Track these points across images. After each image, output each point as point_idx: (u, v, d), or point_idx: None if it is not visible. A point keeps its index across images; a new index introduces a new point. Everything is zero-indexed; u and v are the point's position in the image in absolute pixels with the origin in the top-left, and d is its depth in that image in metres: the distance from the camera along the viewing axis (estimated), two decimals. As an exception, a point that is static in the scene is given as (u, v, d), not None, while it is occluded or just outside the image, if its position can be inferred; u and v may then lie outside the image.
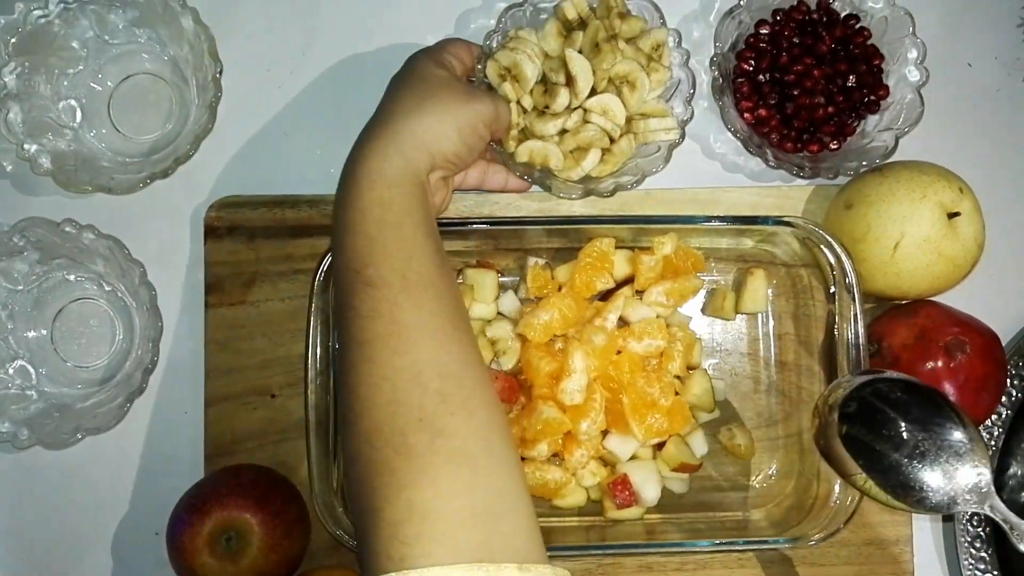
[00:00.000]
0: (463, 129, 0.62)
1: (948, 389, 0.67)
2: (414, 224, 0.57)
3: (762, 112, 0.73)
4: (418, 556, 0.47)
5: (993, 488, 0.56)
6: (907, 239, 0.67)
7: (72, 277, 0.74)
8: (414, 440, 0.50)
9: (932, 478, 0.57)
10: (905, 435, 0.57)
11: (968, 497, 0.56)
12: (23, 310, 0.74)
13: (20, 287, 0.73)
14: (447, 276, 0.57)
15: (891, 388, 0.59)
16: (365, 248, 0.56)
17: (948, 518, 0.75)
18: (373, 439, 0.51)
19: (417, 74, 0.65)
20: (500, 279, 0.74)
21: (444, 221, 0.71)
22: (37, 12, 0.71)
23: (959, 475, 0.57)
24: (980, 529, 0.73)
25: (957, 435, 0.57)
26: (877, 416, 0.58)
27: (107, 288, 0.75)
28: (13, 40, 0.71)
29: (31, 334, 0.74)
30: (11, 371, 0.73)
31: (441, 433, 0.50)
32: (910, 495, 0.57)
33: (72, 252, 0.72)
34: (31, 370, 0.73)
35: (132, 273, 0.71)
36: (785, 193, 0.76)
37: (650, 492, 0.71)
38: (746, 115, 0.74)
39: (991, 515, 0.57)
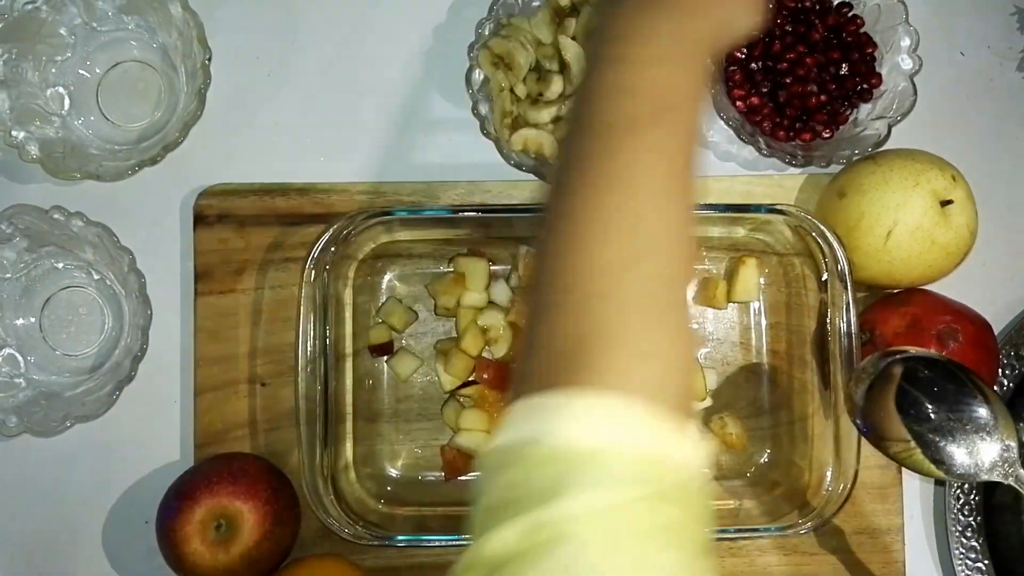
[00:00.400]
0: None
1: (940, 377, 0.67)
2: (683, 64, 0.46)
3: (754, 100, 0.73)
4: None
5: (1018, 459, 0.60)
6: (900, 227, 0.67)
7: (61, 265, 0.74)
8: (611, 287, 0.41)
9: (958, 453, 0.60)
10: (932, 414, 0.61)
11: (994, 470, 0.60)
12: (11, 298, 0.73)
13: (8, 275, 0.72)
14: (696, 124, 0.46)
15: (917, 367, 0.62)
16: (625, 78, 0.44)
17: (940, 507, 0.75)
18: (568, 285, 0.42)
19: None
20: (492, 268, 0.73)
21: (435, 208, 0.71)
22: (24, -2, 0.70)
23: (984, 450, 0.60)
24: (971, 518, 0.74)
25: (982, 412, 0.60)
26: (905, 395, 0.61)
27: (96, 276, 0.74)
28: (0, 26, 0.70)
29: (20, 322, 0.74)
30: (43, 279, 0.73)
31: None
32: (938, 467, 0.61)
33: (61, 240, 0.72)
34: (19, 358, 0.73)
35: (121, 261, 0.70)
36: (778, 182, 0.76)
37: None
38: (738, 103, 0.73)
39: (1016, 486, 0.60)
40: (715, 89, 0.73)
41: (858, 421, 0.63)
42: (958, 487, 0.74)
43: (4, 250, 0.71)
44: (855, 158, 0.71)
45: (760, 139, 0.73)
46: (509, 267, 0.74)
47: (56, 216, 0.69)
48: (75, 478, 0.74)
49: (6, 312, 0.73)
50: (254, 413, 0.73)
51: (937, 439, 0.60)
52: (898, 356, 0.63)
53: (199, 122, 0.73)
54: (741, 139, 0.73)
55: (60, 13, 0.73)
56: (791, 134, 0.73)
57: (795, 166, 0.74)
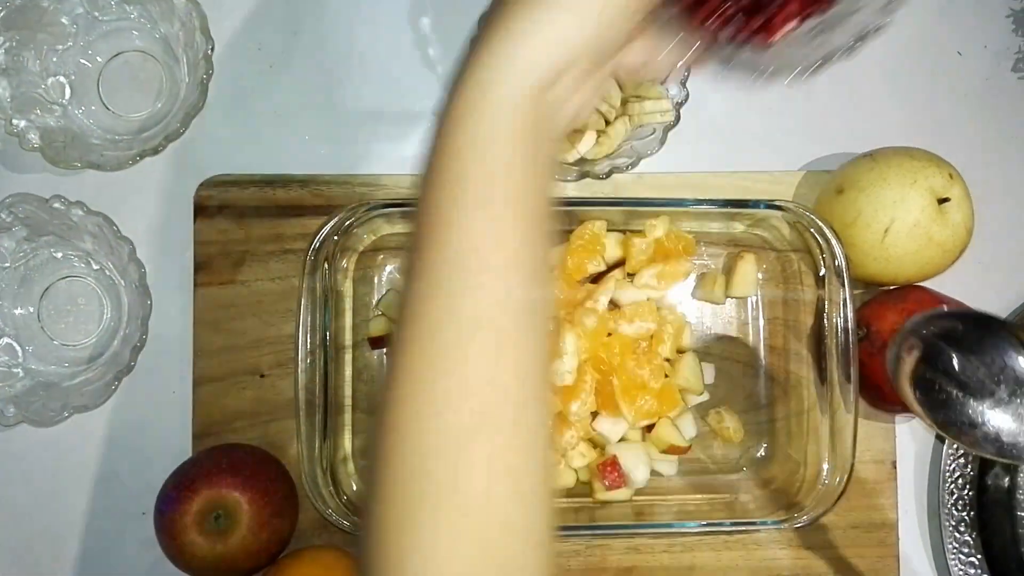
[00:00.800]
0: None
1: (935, 373, 0.68)
2: (508, 184, 0.42)
3: None
4: None
5: None
6: (897, 224, 0.67)
7: (60, 254, 0.74)
8: (435, 471, 0.40)
9: (1004, 421, 0.54)
10: (972, 377, 0.54)
11: None
12: (10, 287, 0.73)
13: (7, 264, 0.72)
14: (540, 259, 0.42)
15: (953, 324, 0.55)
16: (444, 211, 0.42)
17: (934, 502, 0.76)
18: (391, 460, 0.40)
19: None
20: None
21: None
22: (26, -14, 0.70)
23: None
24: (964, 513, 0.74)
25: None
26: (941, 358, 0.55)
27: (95, 266, 0.74)
28: (1, 14, 0.70)
29: (18, 311, 0.74)
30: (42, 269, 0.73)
31: (468, 470, 0.40)
32: (988, 442, 0.55)
33: (60, 229, 0.72)
34: (17, 348, 0.73)
35: (121, 251, 0.70)
36: (776, 178, 0.77)
37: (639, 474, 0.71)
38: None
39: None
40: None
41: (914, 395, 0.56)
42: (951, 482, 0.75)
43: (3, 239, 0.71)
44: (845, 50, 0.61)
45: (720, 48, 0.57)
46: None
47: (56, 205, 0.69)
48: (73, 469, 0.74)
49: (4, 301, 0.73)
50: (253, 404, 0.73)
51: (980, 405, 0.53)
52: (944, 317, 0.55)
53: (201, 113, 0.73)
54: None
55: (61, 2, 0.72)
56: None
57: (763, 78, 0.59)
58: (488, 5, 0.46)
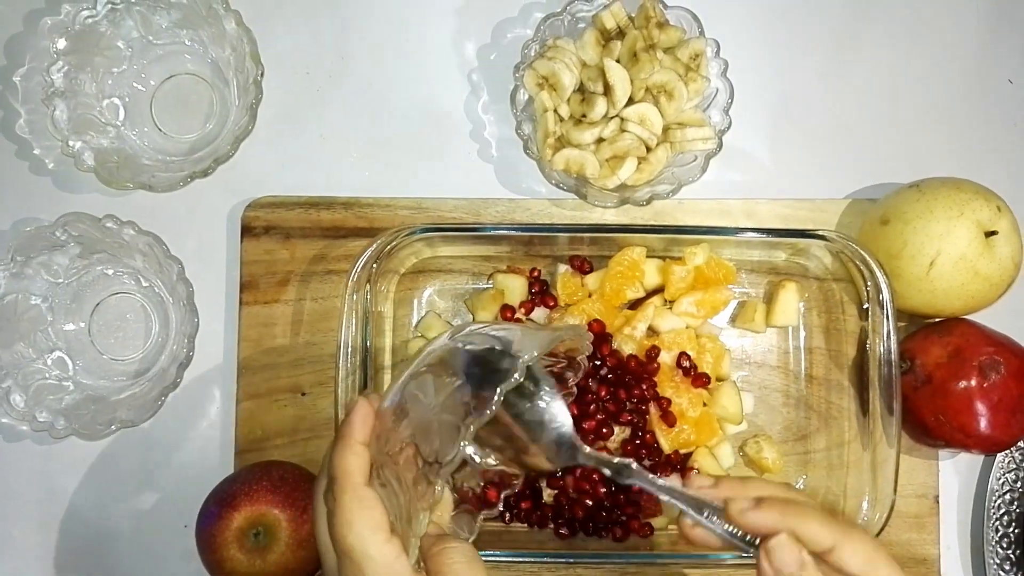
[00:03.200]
0: None
1: (981, 409, 0.66)
2: None
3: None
4: None
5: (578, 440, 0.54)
6: (943, 257, 0.66)
7: (111, 272, 0.76)
8: None
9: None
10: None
11: (561, 454, 0.54)
12: (62, 303, 0.75)
13: (60, 280, 0.75)
14: None
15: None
16: None
17: (977, 539, 0.74)
18: None
19: None
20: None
21: (476, 226, 0.72)
22: (85, 12, 0.73)
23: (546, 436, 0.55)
24: (1010, 551, 0.73)
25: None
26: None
27: (144, 284, 0.76)
28: (62, 40, 0.72)
29: (69, 327, 0.76)
30: (49, 362, 0.74)
31: None
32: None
33: (112, 247, 0.73)
34: (68, 362, 0.75)
35: (170, 270, 0.72)
36: (819, 206, 0.76)
37: None
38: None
39: (586, 463, 0.54)
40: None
41: None
42: (996, 519, 0.73)
43: (57, 256, 0.73)
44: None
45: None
46: (547, 285, 0.75)
47: (109, 224, 0.71)
48: (118, 481, 0.75)
49: (57, 316, 0.75)
50: (293, 422, 0.74)
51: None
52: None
53: (249, 136, 0.74)
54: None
55: (118, 27, 0.75)
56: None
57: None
58: None
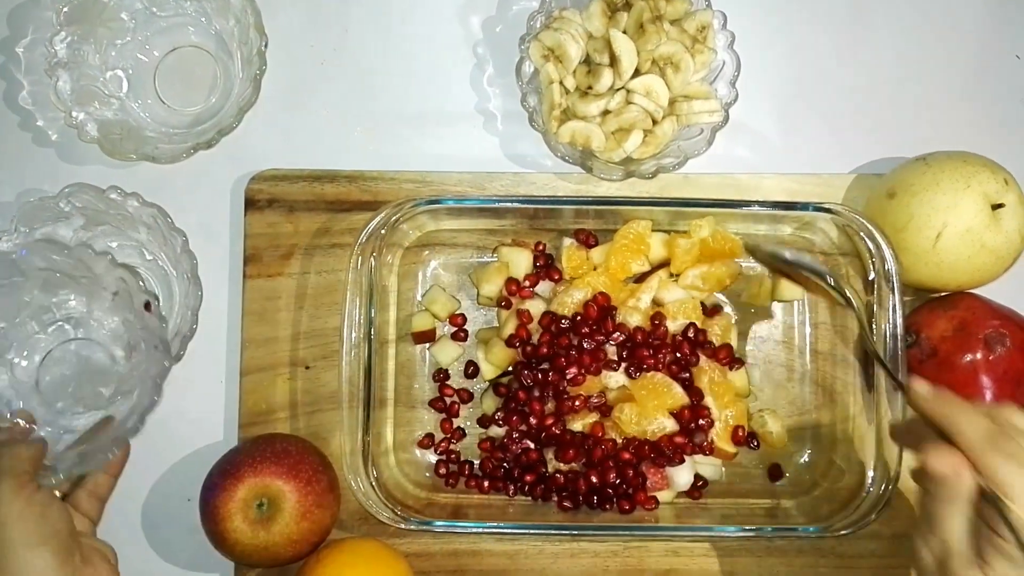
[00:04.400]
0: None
1: (986, 382, 0.66)
2: None
3: None
4: None
5: None
6: (949, 229, 0.66)
7: (115, 244, 0.75)
8: None
9: None
10: None
11: None
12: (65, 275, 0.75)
13: (65, 252, 0.74)
14: None
15: None
16: None
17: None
18: None
19: None
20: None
21: (481, 199, 0.72)
22: (88, -18, 0.72)
23: None
24: (1013, 526, 0.72)
25: None
26: None
27: (148, 257, 0.75)
28: (65, 9, 0.72)
29: (72, 300, 0.75)
30: (51, 332, 0.74)
31: None
32: None
33: (116, 219, 0.73)
34: (70, 331, 0.74)
35: (174, 242, 0.71)
36: (826, 181, 0.76)
37: (682, 477, 0.71)
38: None
39: None
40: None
41: None
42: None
43: (61, 227, 0.73)
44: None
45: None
46: (552, 258, 0.74)
47: (113, 196, 0.70)
48: (122, 453, 0.75)
49: (60, 288, 0.74)
50: (296, 395, 0.74)
51: None
52: None
53: (253, 108, 0.74)
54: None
55: (121, -2, 0.74)
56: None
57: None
58: None
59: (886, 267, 0.67)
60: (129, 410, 0.65)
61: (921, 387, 0.56)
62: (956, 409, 0.54)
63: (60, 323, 0.73)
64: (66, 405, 0.72)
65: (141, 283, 0.67)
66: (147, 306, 0.67)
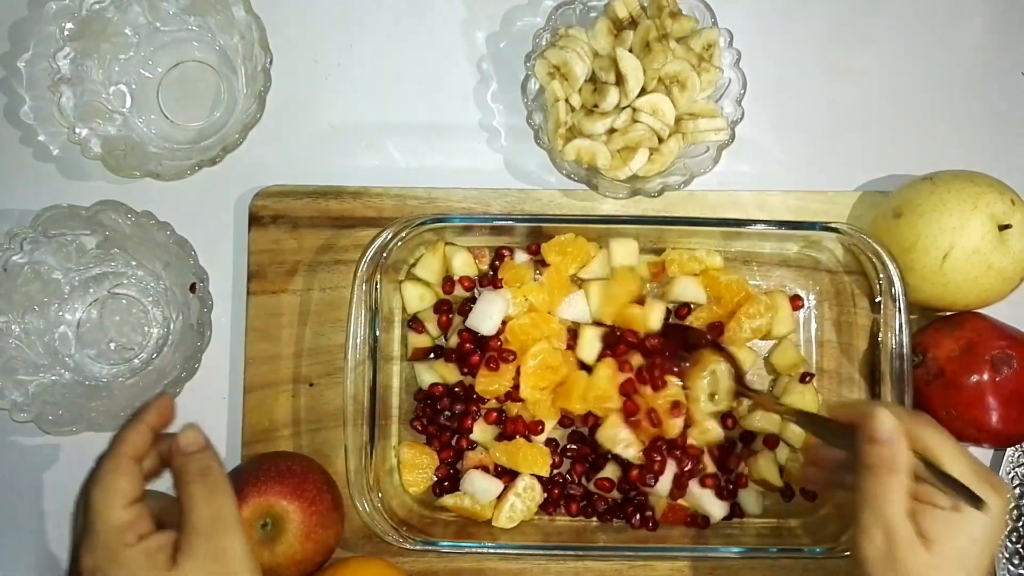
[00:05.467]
0: None
1: (993, 403, 0.66)
2: None
3: None
4: None
5: None
6: (956, 250, 0.66)
7: (132, 265, 0.75)
8: None
9: None
10: None
11: None
12: (83, 285, 0.75)
13: (80, 264, 0.74)
14: None
15: None
16: None
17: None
18: None
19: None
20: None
21: (486, 217, 0.72)
22: (92, -2, 0.72)
23: None
24: (1019, 546, 0.72)
25: None
26: None
27: (163, 285, 0.75)
28: (69, 25, 0.72)
29: (79, 312, 0.75)
30: (101, 287, 0.75)
31: None
32: None
33: (135, 245, 0.73)
34: (72, 340, 0.74)
35: (187, 277, 0.71)
36: (831, 199, 0.75)
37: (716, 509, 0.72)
38: None
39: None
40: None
41: None
42: (1007, 516, 0.73)
43: (82, 239, 0.72)
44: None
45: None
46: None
47: (144, 220, 0.70)
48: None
49: (71, 299, 0.74)
50: (300, 413, 0.74)
51: None
52: None
53: (258, 124, 0.74)
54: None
55: (125, 13, 0.74)
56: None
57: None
58: None
59: (892, 287, 0.67)
60: (158, 378, 0.70)
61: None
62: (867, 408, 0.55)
63: (110, 278, 0.75)
64: (99, 352, 0.75)
65: (191, 261, 0.70)
66: (192, 287, 0.70)
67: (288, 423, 0.74)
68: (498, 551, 0.70)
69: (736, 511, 0.72)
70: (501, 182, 0.76)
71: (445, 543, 0.68)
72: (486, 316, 0.70)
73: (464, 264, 0.73)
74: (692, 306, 0.73)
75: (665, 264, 0.72)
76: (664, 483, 0.69)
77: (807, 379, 0.73)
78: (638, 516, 0.71)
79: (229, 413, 0.75)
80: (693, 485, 0.70)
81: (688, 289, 0.72)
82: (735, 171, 0.76)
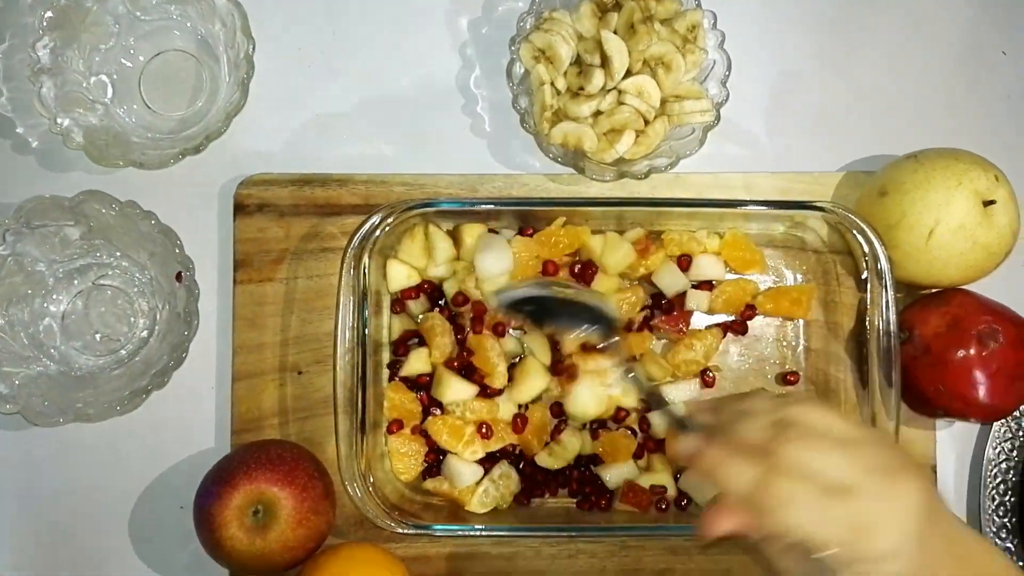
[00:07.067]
0: None
1: (980, 378, 0.67)
2: None
3: None
4: None
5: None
6: (942, 226, 0.66)
7: (116, 255, 0.74)
8: None
9: None
10: None
11: None
12: (68, 276, 0.74)
13: (64, 255, 0.73)
14: None
15: None
16: None
17: (974, 508, 0.75)
18: None
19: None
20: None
21: (473, 200, 0.72)
22: (70, -13, 0.71)
23: None
24: (1006, 520, 0.73)
25: None
26: None
27: (148, 276, 0.74)
28: (47, 14, 0.71)
29: (64, 304, 0.74)
30: (86, 277, 0.74)
31: None
32: None
33: (119, 235, 0.72)
34: (58, 333, 0.73)
35: (172, 266, 0.70)
36: (816, 179, 0.76)
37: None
38: None
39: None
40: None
41: None
42: (993, 488, 0.74)
43: (66, 231, 0.71)
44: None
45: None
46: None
47: (128, 210, 0.69)
48: (111, 464, 0.74)
49: (56, 291, 0.74)
50: (287, 401, 0.74)
51: None
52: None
53: (241, 112, 0.73)
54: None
55: (104, 2, 0.73)
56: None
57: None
58: None
59: (879, 264, 0.68)
60: (146, 368, 0.69)
61: (688, 446, 0.52)
62: (717, 466, 0.50)
63: (95, 270, 0.74)
64: (85, 344, 0.74)
65: (177, 251, 0.69)
66: (178, 276, 0.70)
67: (277, 411, 0.74)
68: (491, 534, 0.70)
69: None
70: (487, 167, 0.76)
71: (438, 526, 0.68)
72: (493, 259, 0.70)
73: (448, 249, 0.72)
74: (714, 283, 0.74)
75: (664, 243, 0.72)
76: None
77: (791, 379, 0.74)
78: (592, 495, 0.72)
79: (218, 402, 0.74)
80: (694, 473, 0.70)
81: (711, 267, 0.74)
82: (721, 154, 0.76)
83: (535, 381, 0.71)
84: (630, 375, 0.64)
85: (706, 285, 0.73)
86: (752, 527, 0.49)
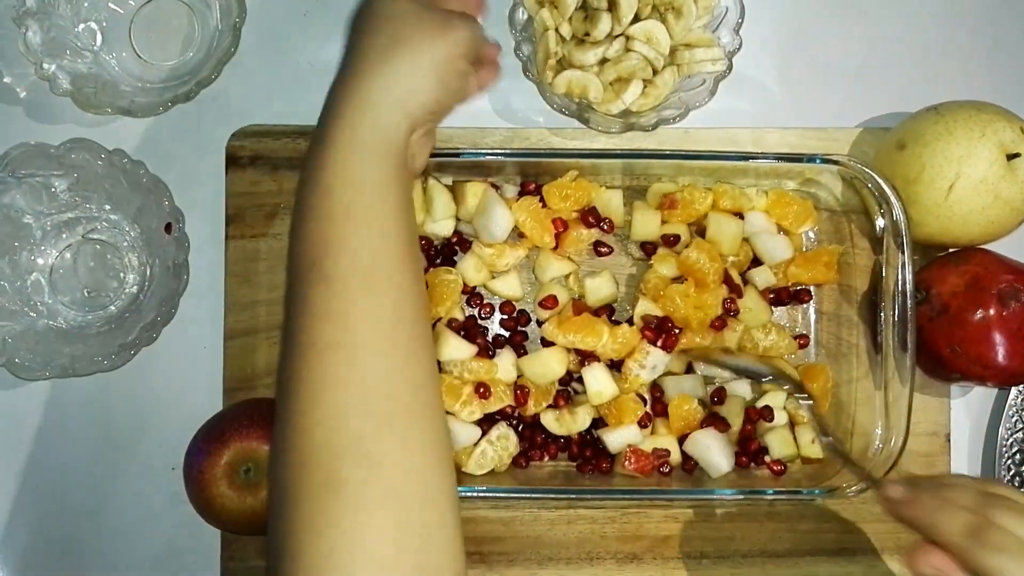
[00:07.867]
0: (442, 72, 0.52)
1: (999, 339, 0.64)
2: (386, 210, 0.49)
3: None
4: None
5: None
6: (962, 180, 0.64)
7: (106, 208, 0.72)
8: (347, 473, 0.44)
9: None
10: None
11: None
12: (55, 229, 0.72)
13: (53, 207, 0.71)
14: (415, 275, 0.50)
15: None
16: (326, 236, 0.48)
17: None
18: (305, 463, 0.45)
19: (378, 12, 0.54)
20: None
21: (473, 151, 0.69)
22: (57, -71, 0.68)
23: None
24: (1022, 490, 0.71)
25: None
26: None
27: (136, 231, 0.72)
28: (32, -43, 0.68)
29: (52, 258, 0.72)
30: (74, 231, 0.72)
31: (379, 466, 0.45)
32: None
33: (107, 187, 0.70)
34: (46, 288, 0.72)
35: (163, 219, 0.68)
36: (830, 135, 0.73)
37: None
38: None
39: None
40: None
41: None
42: (1008, 458, 0.71)
43: (54, 181, 0.69)
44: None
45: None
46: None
47: (115, 159, 0.67)
48: (104, 422, 0.73)
49: (44, 244, 0.72)
50: (283, 360, 0.72)
51: None
52: None
53: (234, 62, 0.71)
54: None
55: (94, -55, 0.71)
56: None
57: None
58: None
59: (896, 221, 0.65)
60: (138, 323, 0.68)
61: (895, 492, 0.56)
62: (932, 511, 0.53)
63: (84, 223, 0.72)
64: (73, 299, 0.72)
65: (167, 202, 0.68)
66: (168, 228, 0.68)
67: (270, 370, 0.71)
68: (488, 496, 0.68)
69: (741, 461, 0.70)
70: (488, 120, 0.74)
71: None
72: (495, 220, 0.68)
73: (448, 203, 0.70)
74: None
75: (715, 199, 0.69)
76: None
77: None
78: (592, 459, 0.69)
79: (210, 360, 0.72)
80: (701, 436, 0.69)
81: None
82: (732, 109, 0.73)
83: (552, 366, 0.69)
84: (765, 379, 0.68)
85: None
86: (955, 568, 0.52)
